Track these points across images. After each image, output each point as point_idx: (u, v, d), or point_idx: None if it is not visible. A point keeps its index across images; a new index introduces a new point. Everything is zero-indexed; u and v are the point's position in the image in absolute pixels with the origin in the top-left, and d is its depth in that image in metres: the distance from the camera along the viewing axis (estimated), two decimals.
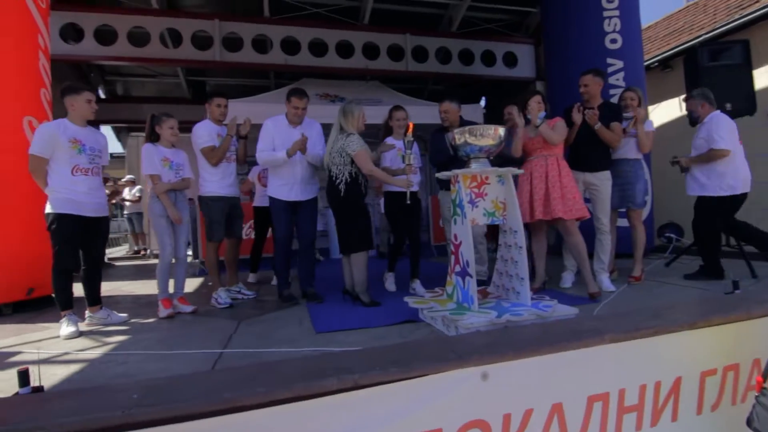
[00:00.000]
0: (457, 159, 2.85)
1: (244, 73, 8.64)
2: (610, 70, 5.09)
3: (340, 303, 3.38)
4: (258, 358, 2.20)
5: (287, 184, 3.54)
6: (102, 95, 8.70)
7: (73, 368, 2.21)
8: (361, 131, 3.34)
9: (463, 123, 3.68)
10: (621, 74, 5.08)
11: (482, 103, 10.23)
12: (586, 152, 3.47)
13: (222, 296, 3.55)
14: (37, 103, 4.02)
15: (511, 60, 7.83)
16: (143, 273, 6.07)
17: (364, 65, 7.31)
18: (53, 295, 2.91)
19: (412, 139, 2.98)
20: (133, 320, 3.20)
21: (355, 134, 3.25)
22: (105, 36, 6.42)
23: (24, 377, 1.78)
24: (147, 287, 4.44)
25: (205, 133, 3.54)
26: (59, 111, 3.70)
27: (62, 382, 2.00)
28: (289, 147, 3.41)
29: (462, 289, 2.53)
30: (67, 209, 2.82)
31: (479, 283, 3.59)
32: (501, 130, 2.61)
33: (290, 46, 7.11)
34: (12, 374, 2.15)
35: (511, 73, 7.78)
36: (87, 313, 3.09)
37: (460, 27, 7.63)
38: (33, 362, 2.23)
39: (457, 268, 2.60)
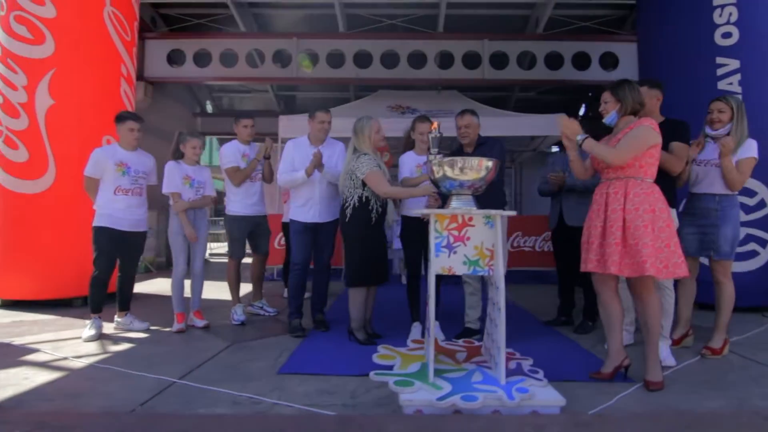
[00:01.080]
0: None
1: (326, 87, 8.96)
2: (720, 72, 4.01)
3: (340, 335, 3.20)
4: (193, 396, 2.15)
5: (306, 205, 3.43)
6: (209, 110, 9.84)
7: (54, 376, 2.41)
8: (378, 148, 3.10)
9: (481, 142, 3.20)
10: (735, 77, 3.95)
11: (582, 111, 9.07)
12: None
13: (237, 312, 3.65)
14: None
15: (610, 61, 6.74)
16: (222, 273, 6.66)
17: (437, 75, 6.99)
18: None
19: (438, 134, 2.41)
20: (154, 327, 3.45)
21: (368, 154, 3.01)
22: (202, 59, 7.20)
23: None
24: (211, 289, 4.45)
25: (229, 153, 3.67)
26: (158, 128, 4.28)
27: (29, 392, 2.18)
28: (308, 166, 3.30)
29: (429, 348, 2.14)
30: (105, 223, 3.18)
31: (470, 332, 3.14)
32: (486, 162, 2.16)
33: (363, 58, 7.13)
34: (15, 372, 2.45)
35: (610, 77, 6.65)
36: (115, 317, 3.42)
37: (548, 28, 6.82)
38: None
39: (428, 323, 2.22)
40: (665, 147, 2.62)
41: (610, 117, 2.33)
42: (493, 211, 2.14)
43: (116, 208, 3.21)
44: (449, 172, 2.17)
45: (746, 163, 2.68)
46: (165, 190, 3.33)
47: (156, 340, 3.15)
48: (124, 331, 3.35)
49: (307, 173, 3.28)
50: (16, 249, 4.11)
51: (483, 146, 3.18)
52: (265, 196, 3.96)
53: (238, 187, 3.68)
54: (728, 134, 2.72)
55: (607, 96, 2.35)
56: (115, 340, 3.14)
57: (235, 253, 3.73)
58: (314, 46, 7.10)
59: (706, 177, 2.76)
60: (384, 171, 3.02)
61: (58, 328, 3.42)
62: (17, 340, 3.07)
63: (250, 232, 3.78)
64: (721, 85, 3.95)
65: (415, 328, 3.23)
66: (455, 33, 6.96)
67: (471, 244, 2.19)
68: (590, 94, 8.27)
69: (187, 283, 3.48)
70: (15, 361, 2.63)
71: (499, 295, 2.07)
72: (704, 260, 2.93)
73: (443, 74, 6.97)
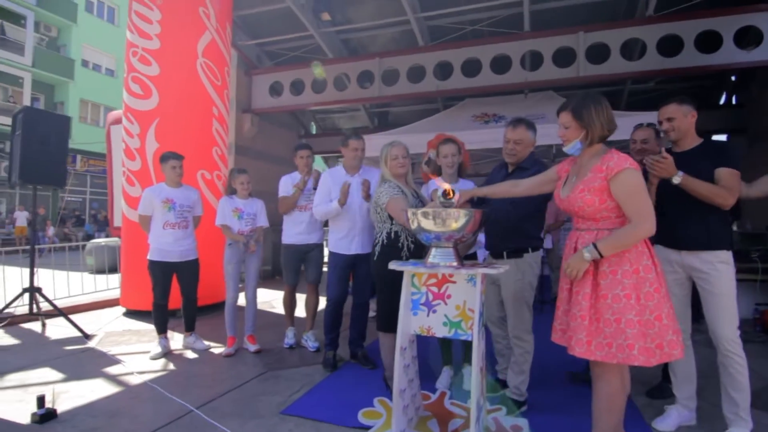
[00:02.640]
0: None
1: (417, 100, 8.91)
2: None
3: (367, 373, 3.11)
4: (193, 430, 2.33)
5: (347, 237, 3.37)
6: (313, 131, 10.63)
7: (112, 391, 2.87)
8: (397, 175, 2.81)
9: (525, 167, 2.58)
10: None
11: (723, 100, 7.32)
12: (677, 219, 2.13)
13: (288, 336, 3.86)
14: (209, 158, 5.33)
15: (753, 37, 5.31)
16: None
17: (523, 78, 6.39)
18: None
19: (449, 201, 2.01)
20: (213, 347, 3.85)
21: (391, 181, 2.80)
22: (297, 87, 7.84)
23: (41, 401, 2.47)
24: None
25: (283, 183, 3.83)
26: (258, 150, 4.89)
27: (84, 406, 2.64)
28: (340, 197, 3.21)
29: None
30: (156, 257, 3.63)
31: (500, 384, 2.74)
32: (465, 213, 1.88)
33: (444, 69, 6.92)
34: (87, 384, 3.00)
35: (751, 57, 5.26)
36: (183, 336, 3.91)
37: (661, 8, 5.67)
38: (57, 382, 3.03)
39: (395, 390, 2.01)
40: (709, 173, 2.04)
41: (572, 147, 1.81)
42: (472, 270, 1.85)
43: (165, 242, 3.61)
44: (425, 223, 1.95)
45: None
46: (216, 222, 3.69)
47: (207, 361, 3.52)
48: (188, 349, 3.80)
49: (340, 203, 3.21)
50: (135, 267, 5.01)
51: (522, 173, 2.59)
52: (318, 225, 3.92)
53: (288, 216, 3.81)
54: None
55: (567, 119, 1.81)
56: (176, 358, 3.58)
57: (287, 280, 3.88)
58: (395, 63, 7.15)
59: None
60: (401, 197, 2.69)
61: (150, 339, 4.04)
62: (113, 350, 3.73)
63: (302, 260, 3.87)
64: None
65: (445, 374, 2.98)
66: (543, 30, 6.27)
67: (452, 303, 1.94)
68: (733, 78, 6.63)
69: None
70: (96, 372, 3.21)
71: (475, 373, 1.78)
72: None
73: (530, 76, 6.34)
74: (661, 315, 1.63)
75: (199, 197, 3.92)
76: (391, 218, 2.81)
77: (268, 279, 8.11)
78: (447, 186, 1.94)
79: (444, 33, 7.19)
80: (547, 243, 5.26)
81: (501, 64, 6.46)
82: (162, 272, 3.64)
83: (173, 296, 3.82)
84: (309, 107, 8.39)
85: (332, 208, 3.27)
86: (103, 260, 7.81)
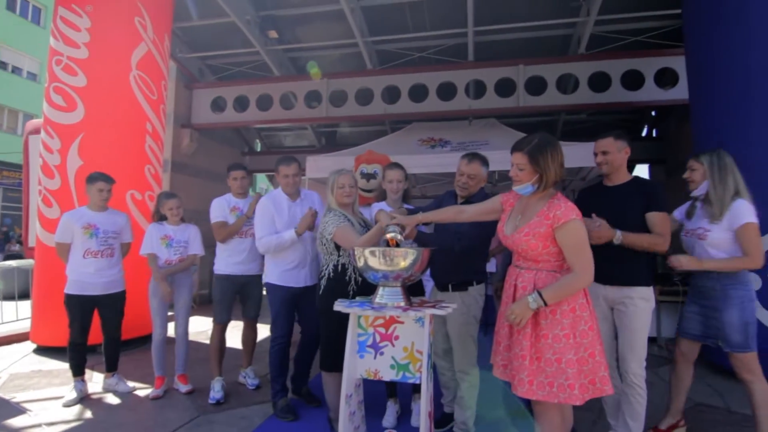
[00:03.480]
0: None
1: (365, 121, 8.93)
2: None
3: (318, 418, 2.86)
4: None
5: (295, 269, 3.06)
6: (258, 148, 10.31)
7: None
8: (343, 205, 2.66)
9: (472, 201, 2.51)
10: None
11: (645, 132, 8.03)
12: (602, 256, 2.20)
13: (215, 389, 3.25)
14: (141, 177, 4.93)
15: (669, 78, 5.87)
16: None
17: (467, 105, 6.61)
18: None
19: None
20: (139, 388, 3.45)
21: (336, 210, 2.65)
22: (241, 103, 7.58)
23: None
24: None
25: (217, 207, 3.47)
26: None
27: None
28: (296, 226, 2.97)
29: None
30: (74, 290, 3.23)
31: (448, 419, 2.67)
32: (413, 252, 1.83)
33: (392, 93, 7.01)
34: None
35: (669, 96, 5.81)
36: (103, 377, 3.49)
37: (593, 46, 6.14)
38: None
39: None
40: (636, 211, 2.15)
41: (523, 188, 1.79)
42: (420, 311, 1.79)
43: (85, 273, 3.23)
44: (371, 262, 1.88)
45: (744, 232, 2.09)
46: (141, 251, 3.35)
47: (131, 406, 3.16)
48: (109, 392, 3.38)
49: (297, 233, 2.95)
50: (48, 298, 4.47)
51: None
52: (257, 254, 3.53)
53: (226, 244, 3.44)
54: (705, 194, 2.27)
55: (522, 161, 1.76)
56: (94, 404, 3.18)
57: (217, 317, 3.38)
58: (343, 85, 7.14)
59: (694, 250, 2.22)
60: (347, 225, 2.55)
61: (64, 382, 3.59)
62: (18, 397, 3.26)
63: (238, 293, 3.50)
64: None
65: (390, 409, 2.88)
66: (487, 61, 6.56)
67: (399, 344, 1.87)
68: (653, 113, 7.29)
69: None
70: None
71: (423, 418, 1.71)
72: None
73: (475, 104, 6.58)
74: (594, 352, 1.67)
75: (128, 222, 3.57)
76: (338, 249, 2.66)
77: (205, 305, 7.60)
78: (389, 236, 1.88)
79: (392, 58, 7.29)
80: (491, 267, 5.38)
81: (447, 91, 6.66)
82: (81, 307, 3.24)
83: (94, 330, 3.40)
84: (253, 125, 8.12)
85: (286, 239, 2.97)
86: (13, 285, 6.95)
